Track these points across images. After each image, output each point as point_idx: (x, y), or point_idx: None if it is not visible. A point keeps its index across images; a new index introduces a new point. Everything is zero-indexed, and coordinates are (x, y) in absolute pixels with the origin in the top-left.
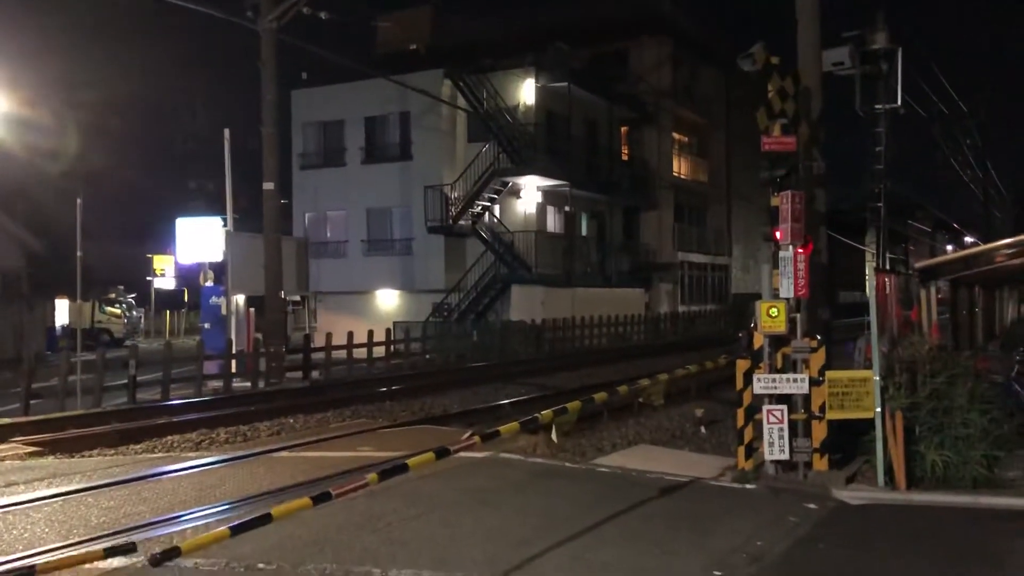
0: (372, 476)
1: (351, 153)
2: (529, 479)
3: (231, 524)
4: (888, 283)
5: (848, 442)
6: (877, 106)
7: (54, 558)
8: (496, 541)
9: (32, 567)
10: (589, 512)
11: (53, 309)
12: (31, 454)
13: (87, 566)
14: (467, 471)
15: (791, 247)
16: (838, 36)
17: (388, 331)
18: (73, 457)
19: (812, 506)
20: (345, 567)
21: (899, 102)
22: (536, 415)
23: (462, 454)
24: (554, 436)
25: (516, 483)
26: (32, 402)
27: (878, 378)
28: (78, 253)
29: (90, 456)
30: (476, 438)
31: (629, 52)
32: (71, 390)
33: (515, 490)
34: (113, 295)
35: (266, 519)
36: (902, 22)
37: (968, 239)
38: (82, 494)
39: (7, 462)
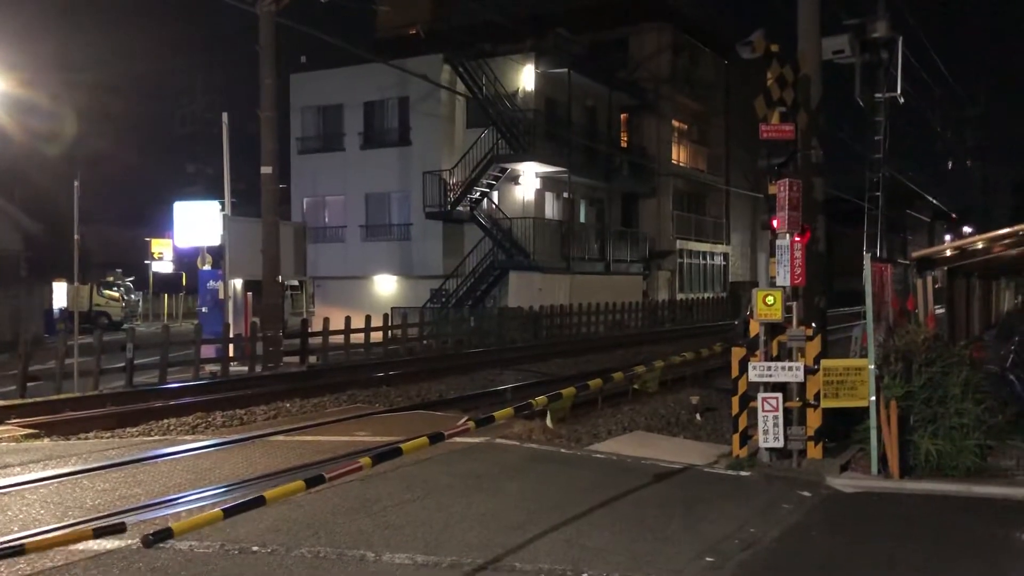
0: (366, 460)
1: (350, 138)
2: (524, 464)
3: (224, 506)
4: (885, 272)
5: (842, 430)
6: (877, 95)
7: (44, 538)
8: (490, 525)
9: (21, 546)
10: (583, 497)
11: (51, 292)
12: (27, 436)
13: (81, 547)
14: (462, 456)
15: (788, 235)
16: (839, 23)
17: (386, 316)
18: (69, 439)
19: (806, 493)
20: (339, 550)
21: (899, 91)
22: (530, 401)
23: (457, 439)
24: (549, 422)
25: (511, 468)
26: (29, 384)
27: (873, 367)
28: (75, 236)
29: (86, 439)
30: (470, 423)
31: (629, 38)
32: (68, 373)
33: (510, 475)
34: (111, 278)
35: (260, 501)
36: (902, 9)
37: (966, 229)
38: (78, 476)
39: (3, 444)
